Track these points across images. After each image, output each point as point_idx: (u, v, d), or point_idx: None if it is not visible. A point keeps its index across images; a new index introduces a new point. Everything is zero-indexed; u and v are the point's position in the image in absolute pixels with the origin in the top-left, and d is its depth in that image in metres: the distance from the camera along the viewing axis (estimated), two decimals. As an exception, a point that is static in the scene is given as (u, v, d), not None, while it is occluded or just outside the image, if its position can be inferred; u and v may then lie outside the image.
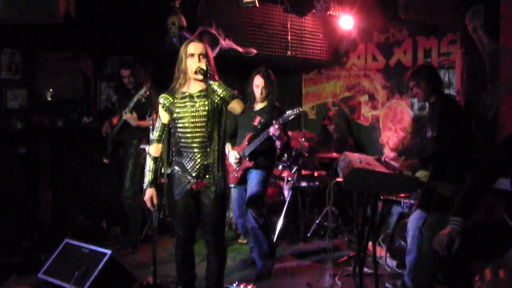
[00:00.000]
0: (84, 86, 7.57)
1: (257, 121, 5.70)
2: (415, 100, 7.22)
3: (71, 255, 5.21)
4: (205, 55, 4.17)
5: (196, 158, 4.20)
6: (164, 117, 4.31)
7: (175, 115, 4.22)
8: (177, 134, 4.26)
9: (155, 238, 4.78)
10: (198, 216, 4.38)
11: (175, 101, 4.22)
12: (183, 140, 4.22)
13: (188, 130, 4.19)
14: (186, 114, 4.19)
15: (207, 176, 4.24)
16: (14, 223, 5.92)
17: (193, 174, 4.22)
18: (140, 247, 6.61)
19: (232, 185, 5.80)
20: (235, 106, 4.15)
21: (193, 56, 4.14)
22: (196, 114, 4.17)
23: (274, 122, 5.41)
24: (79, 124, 7.36)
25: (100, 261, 4.89)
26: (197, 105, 4.18)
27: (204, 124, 4.17)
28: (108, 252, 4.98)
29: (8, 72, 7.05)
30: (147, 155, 4.38)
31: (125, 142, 6.65)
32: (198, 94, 4.21)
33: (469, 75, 5.18)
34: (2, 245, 5.79)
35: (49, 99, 7.31)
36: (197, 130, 4.17)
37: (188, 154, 4.22)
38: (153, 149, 4.33)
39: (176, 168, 4.31)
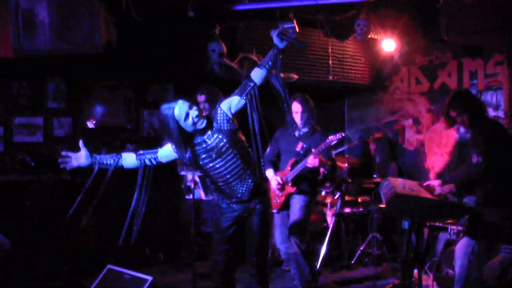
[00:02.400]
0: (127, 114, 7.67)
1: (299, 146, 5.69)
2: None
3: (114, 281, 5.24)
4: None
5: (237, 188, 4.14)
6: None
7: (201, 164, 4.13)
8: (212, 178, 4.17)
9: (195, 265, 4.73)
10: (242, 242, 4.32)
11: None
12: (220, 180, 4.13)
13: (221, 170, 4.09)
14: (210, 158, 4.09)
15: (253, 201, 4.19)
16: (57, 247, 6.00)
17: (239, 202, 4.18)
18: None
19: (275, 211, 5.74)
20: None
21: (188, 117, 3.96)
22: (219, 152, 4.06)
23: (313, 151, 5.39)
24: (122, 151, 7.43)
25: (142, 287, 4.90)
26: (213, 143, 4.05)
27: (232, 155, 4.06)
28: (150, 278, 4.99)
29: (54, 101, 7.23)
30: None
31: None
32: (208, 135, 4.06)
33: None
34: (45, 269, 5.87)
35: (91, 127, 7.43)
36: (229, 164, 4.07)
37: (230, 187, 4.15)
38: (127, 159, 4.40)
39: (220, 197, 4.27)
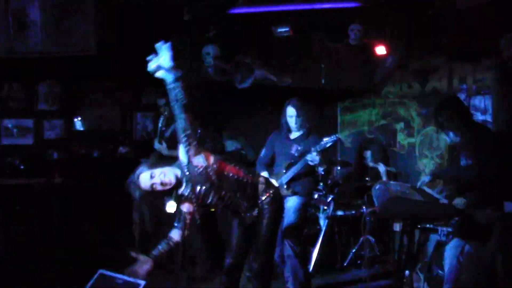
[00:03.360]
0: (120, 117, 7.67)
1: (294, 149, 5.72)
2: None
3: (105, 285, 5.22)
4: None
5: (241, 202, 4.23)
6: None
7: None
8: None
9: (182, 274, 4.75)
10: (250, 244, 4.38)
11: None
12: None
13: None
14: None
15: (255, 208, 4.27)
16: (50, 252, 5.98)
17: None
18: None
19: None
20: None
21: None
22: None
23: (312, 149, 5.44)
24: (115, 154, 7.44)
25: (133, 292, 4.90)
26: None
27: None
28: (142, 283, 4.97)
29: (46, 103, 7.19)
30: None
31: None
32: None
33: (505, 101, 5.12)
34: (38, 275, 5.85)
35: (83, 129, 7.41)
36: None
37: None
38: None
39: None
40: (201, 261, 6.52)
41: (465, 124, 4.95)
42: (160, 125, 6.57)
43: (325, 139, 5.49)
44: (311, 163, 5.51)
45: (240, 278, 4.51)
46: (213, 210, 4.38)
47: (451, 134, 5.06)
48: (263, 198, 4.25)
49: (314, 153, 5.42)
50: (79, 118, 7.41)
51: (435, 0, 5.55)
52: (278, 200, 4.36)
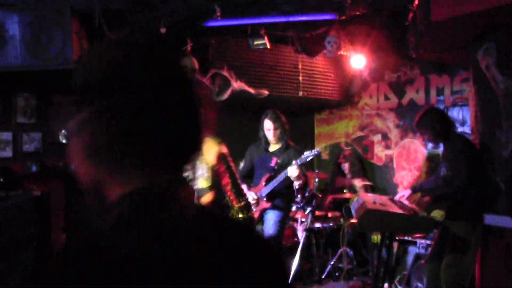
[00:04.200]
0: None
1: (273, 162, 5.71)
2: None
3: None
4: None
5: None
6: None
7: None
8: None
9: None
10: None
11: None
12: None
13: None
14: None
15: None
16: (28, 265, 5.90)
17: None
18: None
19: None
20: None
21: None
22: None
23: (293, 163, 5.43)
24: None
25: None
26: None
27: None
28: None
29: (24, 116, 7.13)
30: None
31: None
32: None
33: (483, 112, 5.14)
34: (16, 286, 5.77)
35: (63, 141, 7.35)
36: None
37: None
38: None
39: None
40: None
41: (446, 135, 4.98)
42: None
43: (306, 153, 5.49)
44: (290, 177, 5.50)
45: None
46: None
47: (429, 145, 5.09)
48: None
49: (294, 167, 5.41)
50: (57, 131, 7.34)
51: (410, 12, 5.57)
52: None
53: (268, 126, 5.72)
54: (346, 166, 7.92)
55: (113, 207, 1.11)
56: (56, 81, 6.72)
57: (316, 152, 5.51)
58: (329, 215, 7.41)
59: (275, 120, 5.71)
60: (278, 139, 5.74)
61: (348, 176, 7.88)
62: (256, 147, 5.93)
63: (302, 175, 5.55)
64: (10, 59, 5.39)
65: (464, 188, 4.73)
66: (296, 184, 5.69)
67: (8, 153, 7.05)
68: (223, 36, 6.75)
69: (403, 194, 5.19)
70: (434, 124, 4.98)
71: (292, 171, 5.42)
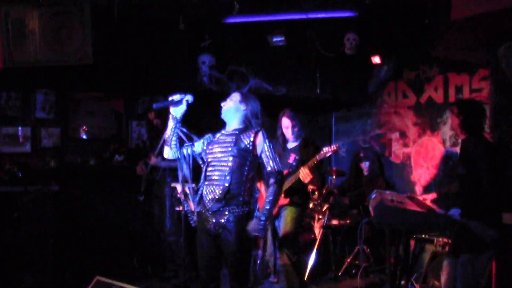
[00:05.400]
0: (116, 126, 7.69)
1: (291, 158, 5.70)
2: (447, 136, 7.17)
3: (103, 292, 5.21)
4: None
5: (215, 190, 4.18)
6: (198, 144, 4.38)
7: (208, 147, 4.29)
8: (205, 165, 4.28)
9: (184, 275, 4.71)
10: (221, 257, 4.31)
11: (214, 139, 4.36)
12: (208, 170, 4.24)
13: (214, 162, 4.22)
14: (216, 148, 4.25)
15: (226, 213, 4.16)
16: (46, 259, 5.97)
17: (211, 205, 4.18)
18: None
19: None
20: None
21: None
22: (224, 149, 4.22)
23: (301, 168, 5.43)
24: (111, 162, 7.44)
25: (130, 299, 4.88)
26: (227, 140, 4.25)
27: (228, 158, 4.18)
28: (137, 289, 4.96)
29: (43, 111, 7.20)
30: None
31: (160, 181, 6.69)
32: (231, 132, 4.30)
33: (502, 111, 5.12)
34: (33, 281, 5.84)
35: (84, 137, 7.43)
36: (221, 163, 4.19)
37: (211, 182, 4.21)
38: (166, 152, 4.37)
39: (197, 208, 4.31)
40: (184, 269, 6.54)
41: (469, 132, 4.93)
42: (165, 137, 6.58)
43: (325, 149, 5.47)
44: (302, 179, 5.48)
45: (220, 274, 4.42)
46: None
47: (448, 143, 5.06)
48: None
49: (306, 171, 5.39)
50: (75, 127, 7.41)
51: (430, 10, 5.56)
52: (241, 221, 4.19)
53: (286, 124, 5.72)
54: (365, 165, 7.89)
55: None
56: (75, 77, 6.82)
57: (334, 148, 5.49)
58: (346, 212, 7.41)
59: (293, 118, 5.70)
60: (297, 137, 5.75)
61: (366, 174, 7.87)
62: (274, 144, 5.93)
63: (315, 181, 5.53)
64: (30, 54, 5.43)
65: (480, 187, 4.70)
66: (310, 188, 5.68)
67: (27, 148, 7.13)
68: (242, 33, 6.77)
69: (427, 197, 5.13)
70: (469, 113, 4.92)
71: (304, 176, 5.40)
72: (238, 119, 4.37)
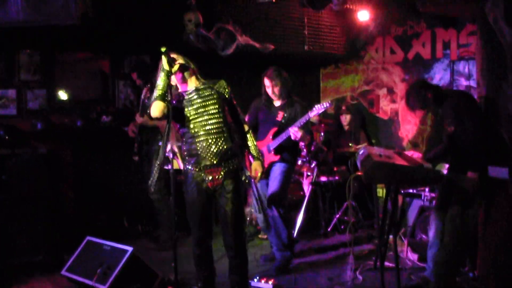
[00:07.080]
0: (102, 86, 7.62)
1: (280, 116, 5.73)
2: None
3: (93, 252, 5.25)
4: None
5: (210, 146, 4.20)
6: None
7: (186, 109, 4.26)
8: (189, 123, 4.26)
9: (175, 234, 4.74)
10: (214, 214, 4.38)
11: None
12: (196, 135, 4.23)
13: (199, 118, 4.22)
14: (197, 104, 4.25)
15: (222, 171, 4.22)
16: (37, 222, 5.97)
17: (207, 163, 4.21)
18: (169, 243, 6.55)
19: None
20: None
21: None
22: (207, 103, 4.24)
23: (291, 127, 5.47)
24: (98, 123, 7.40)
25: (122, 258, 4.92)
26: (205, 93, 4.27)
27: (216, 111, 4.23)
28: (130, 249, 5.00)
29: (28, 73, 7.10)
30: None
31: (149, 140, 6.68)
32: (203, 87, 4.32)
33: (489, 66, 5.13)
34: (25, 244, 5.85)
35: (66, 99, 7.34)
36: (210, 117, 4.22)
37: (201, 143, 4.22)
38: (156, 108, 4.15)
39: (189, 166, 4.32)
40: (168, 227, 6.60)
41: (438, 100, 4.98)
42: (142, 97, 6.55)
43: (317, 106, 5.54)
44: (293, 138, 5.53)
45: (211, 247, 4.49)
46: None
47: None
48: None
49: (296, 129, 5.46)
50: (61, 88, 7.32)
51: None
52: (238, 179, 4.31)
53: (267, 84, 5.76)
54: (346, 118, 7.84)
55: None
56: (60, 38, 6.72)
57: (327, 105, 5.54)
58: (335, 168, 7.46)
59: (273, 78, 5.71)
60: (279, 96, 5.76)
61: (346, 128, 7.84)
62: (261, 101, 5.94)
63: (305, 135, 5.59)
64: (12, 14, 5.31)
65: (467, 142, 4.73)
66: (302, 145, 5.74)
67: (12, 110, 7.02)
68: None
69: (415, 154, 5.16)
70: (421, 96, 4.98)
71: (294, 133, 5.46)
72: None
